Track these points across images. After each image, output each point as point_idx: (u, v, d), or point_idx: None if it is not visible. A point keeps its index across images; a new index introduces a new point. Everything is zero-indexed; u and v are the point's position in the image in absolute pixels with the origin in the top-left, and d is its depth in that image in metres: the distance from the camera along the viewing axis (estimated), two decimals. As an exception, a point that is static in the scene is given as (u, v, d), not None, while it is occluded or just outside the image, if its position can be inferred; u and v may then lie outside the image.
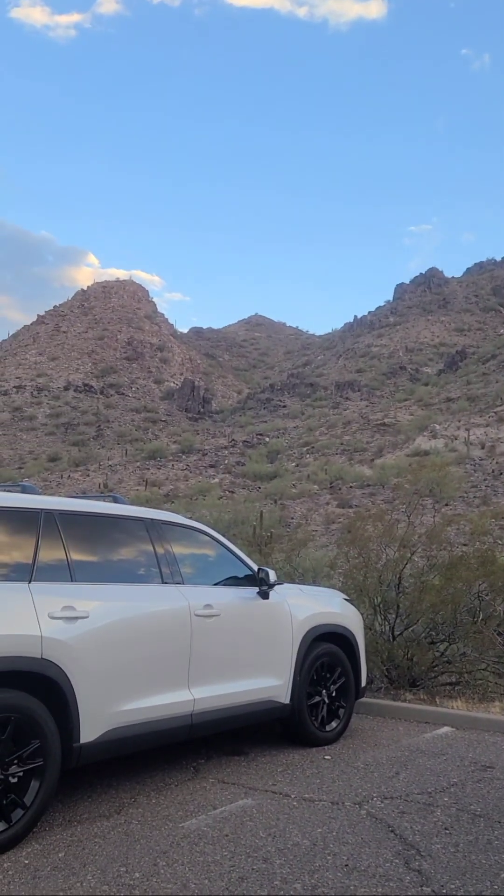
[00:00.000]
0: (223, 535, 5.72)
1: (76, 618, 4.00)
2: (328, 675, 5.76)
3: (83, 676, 3.95)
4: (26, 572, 3.98)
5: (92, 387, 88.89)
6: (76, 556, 4.28)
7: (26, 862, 3.45)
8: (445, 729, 6.18)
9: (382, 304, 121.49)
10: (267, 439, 62.76)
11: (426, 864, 3.42)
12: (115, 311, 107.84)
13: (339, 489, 41.74)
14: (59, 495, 5.96)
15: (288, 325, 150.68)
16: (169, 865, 3.40)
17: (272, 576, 5.43)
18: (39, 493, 4.62)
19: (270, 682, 5.28)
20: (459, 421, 53.18)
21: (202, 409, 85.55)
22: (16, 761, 3.63)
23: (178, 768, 4.95)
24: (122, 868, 3.37)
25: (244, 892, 3.14)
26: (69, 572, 4.19)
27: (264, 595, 5.37)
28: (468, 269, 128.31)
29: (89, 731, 3.98)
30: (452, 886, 3.20)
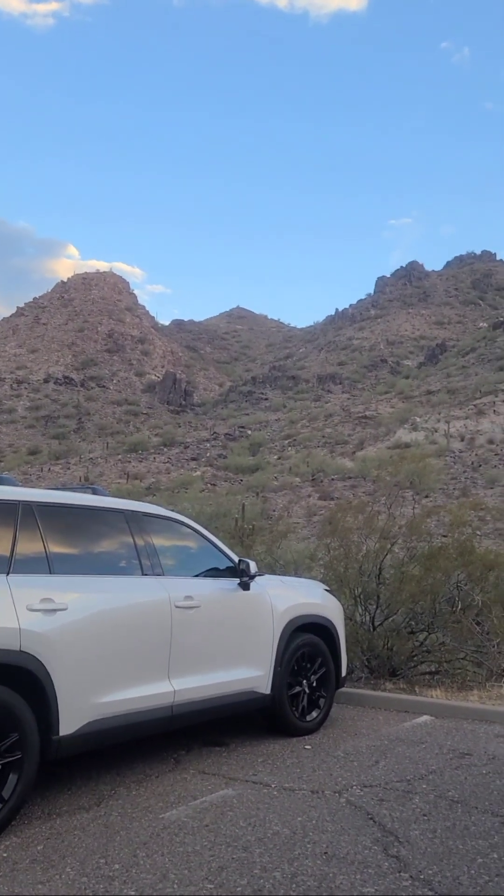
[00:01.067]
0: (204, 527, 5.71)
1: (55, 610, 3.98)
2: (309, 666, 5.78)
3: (62, 669, 3.93)
4: (4, 564, 3.94)
5: (72, 379, 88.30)
6: (55, 548, 4.25)
7: (5, 855, 3.43)
8: (425, 717, 6.23)
9: (364, 297, 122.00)
10: (249, 432, 62.77)
11: (404, 851, 3.45)
12: (96, 303, 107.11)
13: (321, 481, 41.87)
14: (39, 488, 5.92)
15: (269, 317, 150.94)
16: (149, 856, 3.40)
17: (253, 567, 5.43)
18: (18, 485, 4.57)
19: (251, 672, 5.28)
20: (440, 413, 53.52)
21: (184, 402, 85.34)
22: (-6, 754, 3.60)
23: (159, 759, 4.95)
24: (102, 860, 3.37)
25: (224, 881, 3.15)
26: (48, 564, 4.15)
27: (245, 586, 5.37)
28: (448, 262, 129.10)
29: (68, 724, 3.96)
30: (430, 872, 3.23)
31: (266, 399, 78.64)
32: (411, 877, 3.18)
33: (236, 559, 5.49)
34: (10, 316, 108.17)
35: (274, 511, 34.45)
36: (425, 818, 3.88)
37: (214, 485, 45.40)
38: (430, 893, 3.04)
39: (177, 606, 4.74)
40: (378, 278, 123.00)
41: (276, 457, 53.60)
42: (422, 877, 3.18)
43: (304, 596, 6.09)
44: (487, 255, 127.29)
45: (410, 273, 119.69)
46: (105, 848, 3.49)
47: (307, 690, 5.73)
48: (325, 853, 3.43)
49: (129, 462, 54.35)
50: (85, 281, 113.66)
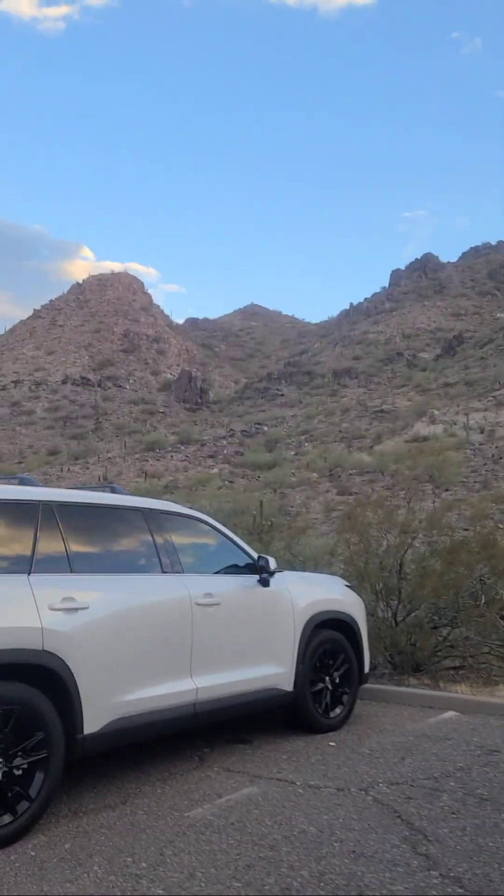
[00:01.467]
0: (223, 524, 5.69)
1: (76, 609, 3.98)
2: (331, 662, 5.75)
3: (85, 667, 3.93)
4: (25, 564, 3.95)
5: (89, 380, 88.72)
6: (75, 547, 4.25)
7: (33, 854, 3.43)
8: (450, 713, 6.17)
9: (378, 290, 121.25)
10: (265, 428, 62.70)
11: (433, 849, 3.41)
12: (111, 303, 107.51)
13: (339, 476, 41.72)
14: (59, 488, 5.94)
15: (283, 313, 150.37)
16: (175, 854, 3.39)
17: (272, 563, 5.40)
18: (38, 485, 4.58)
19: (273, 669, 5.26)
20: (458, 406, 53.12)
21: (200, 400, 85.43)
22: (20, 753, 3.61)
23: (183, 757, 4.94)
24: (129, 858, 3.36)
25: (251, 879, 3.13)
26: (68, 563, 4.16)
27: (265, 583, 5.34)
28: (464, 253, 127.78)
29: (93, 722, 3.96)
30: (460, 870, 3.19)
31: (282, 395, 78.53)
32: (441, 875, 3.15)
33: (255, 556, 5.46)
34: (27, 318, 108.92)
35: (292, 507, 34.40)
36: (454, 816, 3.84)
37: (232, 482, 45.40)
38: (460, 891, 3.01)
39: (197, 604, 4.72)
40: (392, 271, 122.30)
41: (292, 453, 53.49)
42: (451, 874, 3.15)
43: (325, 592, 6.05)
44: None
45: (425, 265, 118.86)
46: (132, 846, 3.49)
47: (330, 687, 5.69)
48: (353, 851, 3.40)
49: (147, 461, 54.49)
50: (100, 282, 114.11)
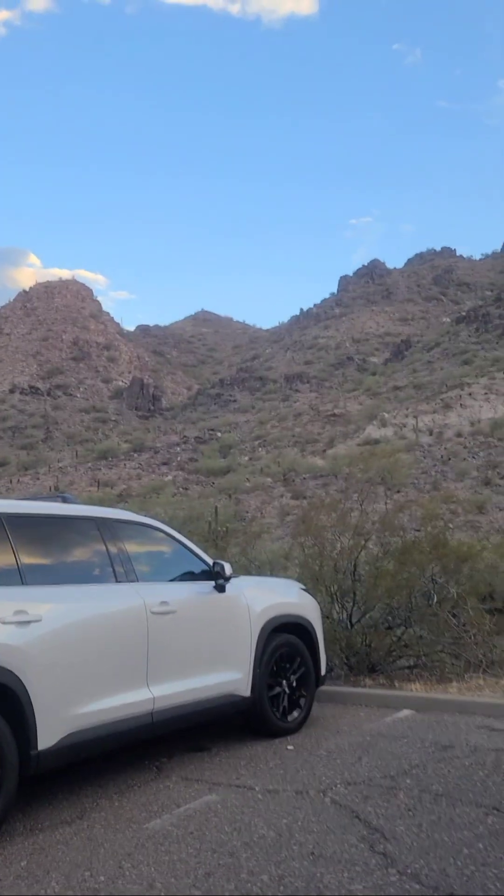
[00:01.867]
0: (178, 532, 5.67)
1: (29, 622, 3.91)
2: (288, 666, 5.77)
3: (39, 681, 3.86)
4: (-25, 578, 3.87)
5: (38, 389, 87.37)
6: (26, 559, 4.19)
7: (-13, 874, 3.35)
8: (405, 712, 6.25)
9: (328, 296, 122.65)
10: (219, 434, 62.68)
11: (391, 847, 3.45)
12: (59, 311, 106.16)
13: (293, 481, 41.96)
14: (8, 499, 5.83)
15: (235, 319, 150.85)
16: (134, 867, 3.35)
17: (228, 569, 5.40)
18: (-14, 497, 4.49)
19: (231, 675, 5.25)
20: (407, 409, 54.01)
21: (152, 407, 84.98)
22: (-29, 772, 3.53)
23: (141, 768, 4.89)
24: (87, 872, 3.31)
25: (211, 887, 3.12)
26: (20, 576, 4.09)
27: (221, 589, 5.34)
28: (409, 259, 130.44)
29: (47, 737, 3.90)
30: (417, 866, 3.23)
31: (234, 401, 78.63)
32: (399, 872, 3.19)
33: (211, 562, 5.46)
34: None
35: (247, 512, 34.45)
36: (410, 813, 3.89)
37: (186, 489, 45.26)
38: (417, 887, 3.05)
39: (152, 612, 4.69)
40: (341, 277, 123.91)
41: (247, 458, 53.59)
42: (409, 871, 3.19)
43: (281, 596, 6.08)
44: (448, 252, 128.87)
45: (372, 271, 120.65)
46: (90, 861, 3.44)
47: (287, 691, 5.71)
48: (312, 853, 3.41)
49: (100, 469, 53.88)
50: (47, 289, 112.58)
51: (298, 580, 7.35)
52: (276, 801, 4.16)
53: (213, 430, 65.27)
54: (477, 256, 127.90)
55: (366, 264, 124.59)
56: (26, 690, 3.79)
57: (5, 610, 3.83)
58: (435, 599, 7.89)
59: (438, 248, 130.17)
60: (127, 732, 4.43)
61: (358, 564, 8.08)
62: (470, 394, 53.13)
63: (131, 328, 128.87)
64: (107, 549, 4.74)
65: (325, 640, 6.36)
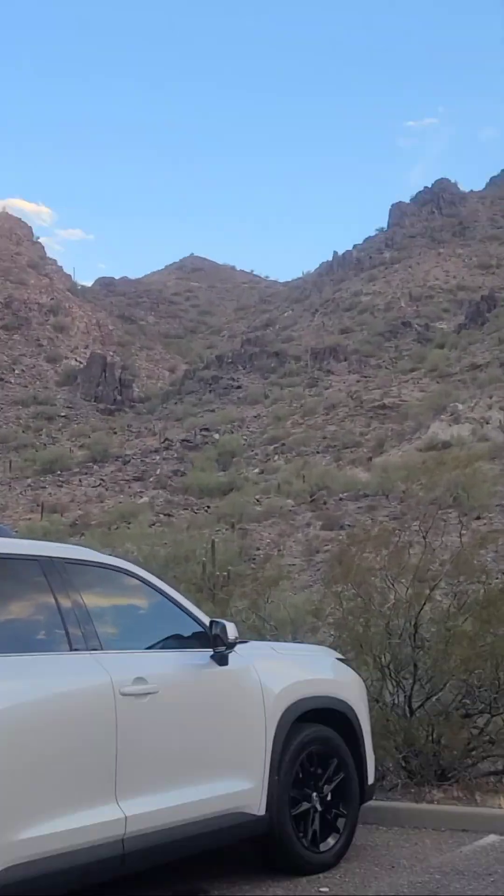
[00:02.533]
0: (158, 577, 5.71)
1: None
2: (320, 772, 5.78)
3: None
4: None
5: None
6: None
7: None
8: (492, 837, 6.25)
9: (373, 233, 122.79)
10: (216, 436, 62.88)
11: None
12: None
13: (324, 503, 42.02)
14: None
15: (238, 269, 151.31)
16: None
17: (231, 631, 5.42)
18: None
19: (236, 785, 5.28)
20: (491, 397, 53.98)
21: (119, 397, 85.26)
22: None
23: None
24: None
25: None
26: None
27: (221, 659, 5.37)
28: (493, 178, 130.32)
29: (-26, 874, 3.93)
30: None
31: (239, 387, 78.88)
32: None
33: (207, 621, 5.49)
34: None
35: (258, 550, 34.51)
36: None
37: (170, 515, 45.38)
38: None
39: (123, 694, 4.72)
40: (392, 205, 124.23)
41: (257, 470, 53.74)
42: None
43: (308, 670, 6.12)
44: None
45: (440, 196, 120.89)
46: None
47: (319, 807, 5.72)
48: None
49: (44, 487, 54.14)
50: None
51: (334, 647, 7.36)
52: None
53: (207, 429, 65.46)
54: None
55: (429, 186, 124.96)
56: None
57: None
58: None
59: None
60: (87, 866, 4.44)
61: (420, 624, 8.09)
62: None
63: (88, 283, 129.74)
64: (56, 603, 4.76)
65: (373, 733, 6.37)
